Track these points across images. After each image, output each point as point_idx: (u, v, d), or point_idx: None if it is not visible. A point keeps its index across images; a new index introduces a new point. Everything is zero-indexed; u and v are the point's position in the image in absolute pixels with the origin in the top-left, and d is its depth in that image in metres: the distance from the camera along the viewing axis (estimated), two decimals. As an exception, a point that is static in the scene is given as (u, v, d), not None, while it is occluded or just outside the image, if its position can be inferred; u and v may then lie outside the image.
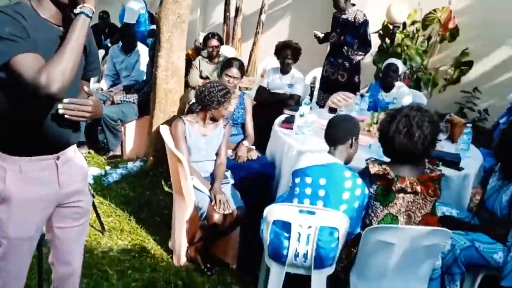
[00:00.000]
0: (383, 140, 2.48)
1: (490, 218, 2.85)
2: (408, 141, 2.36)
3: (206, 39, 5.27)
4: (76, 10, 1.71)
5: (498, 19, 6.12)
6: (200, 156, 3.18)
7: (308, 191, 2.52)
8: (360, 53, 5.35)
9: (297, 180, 2.56)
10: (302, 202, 2.53)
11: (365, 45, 5.34)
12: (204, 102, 3.15)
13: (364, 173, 2.51)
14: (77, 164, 1.97)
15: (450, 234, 2.41)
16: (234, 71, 3.77)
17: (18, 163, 1.77)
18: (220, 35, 5.49)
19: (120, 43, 5.60)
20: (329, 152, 2.61)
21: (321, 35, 5.38)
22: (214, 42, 5.16)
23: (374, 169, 2.43)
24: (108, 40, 7.28)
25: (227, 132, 3.33)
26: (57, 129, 1.79)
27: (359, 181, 2.47)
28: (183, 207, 2.99)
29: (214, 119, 3.23)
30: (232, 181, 3.22)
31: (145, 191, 4.13)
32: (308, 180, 2.52)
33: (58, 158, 1.85)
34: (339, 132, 2.60)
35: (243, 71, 3.90)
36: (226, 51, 5.94)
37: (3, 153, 1.77)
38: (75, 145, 1.97)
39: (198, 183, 3.04)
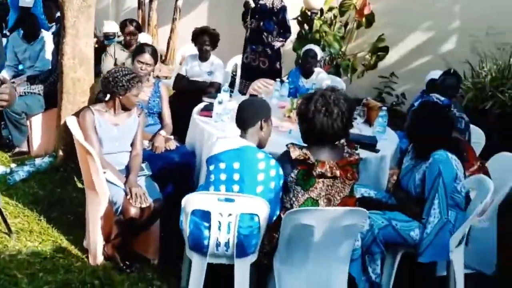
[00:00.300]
0: (303, 122, 2.54)
1: (406, 197, 3.02)
2: (328, 119, 2.46)
3: (123, 25, 5.14)
4: None
5: (411, 5, 6.47)
6: (113, 147, 3.10)
7: (223, 176, 2.54)
8: (281, 39, 5.48)
9: (212, 167, 2.58)
10: (218, 189, 2.55)
11: (285, 31, 5.47)
12: (109, 88, 3.07)
13: (285, 158, 2.56)
14: None
15: (367, 214, 2.53)
16: (146, 57, 3.70)
17: None
18: (138, 21, 5.37)
19: (21, 31, 5.29)
20: (241, 136, 2.66)
21: (253, 4, 5.38)
22: (131, 28, 5.03)
23: (295, 153, 2.49)
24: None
25: (142, 121, 3.27)
26: None
27: (273, 162, 2.54)
28: (97, 202, 2.91)
29: (125, 108, 3.15)
30: (149, 173, 3.17)
31: (55, 188, 3.96)
32: (222, 165, 2.54)
33: None
34: (247, 115, 2.65)
35: (156, 57, 3.84)
36: (143, 38, 5.81)
37: None
38: None
39: (112, 176, 2.96)
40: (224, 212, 2.46)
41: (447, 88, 4.07)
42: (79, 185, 4.00)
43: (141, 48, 3.79)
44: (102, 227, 2.93)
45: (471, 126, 3.98)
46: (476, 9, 6.05)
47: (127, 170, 3.11)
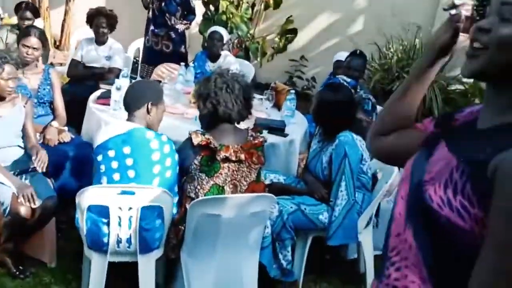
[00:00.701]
0: (207, 102, 2.54)
1: (314, 181, 3.10)
2: (231, 95, 2.52)
3: (17, 9, 4.91)
4: None
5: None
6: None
7: (114, 164, 2.48)
8: (185, 21, 5.39)
9: (99, 157, 2.51)
10: (111, 179, 2.49)
11: (189, 13, 5.40)
12: None
13: (187, 145, 2.55)
14: None
15: (276, 199, 2.58)
16: (32, 40, 3.50)
17: None
18: (34, 5, 5.12)
19: None
20: (128, 120, 2.62)
21: None
22: (26, 13, 4.84)
23: (197, 139, 2.48)
24: None
25: (30, 110, 3.10)
26: None
27: (164, 138, 2.56)
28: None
29: (2, 97, 2.96)
30: (39, 169, 3.00)
31: None
32: (111, 153, 2.49)
33: None
34: (132, 97, 2.64)
35: (44, 41, 3.63)
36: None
37: None
38: None
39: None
40: (123, 206, 2.40)
41: (353, 69, 4.21)
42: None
43: (26, 31, 3.58)
44: (-12, 229, 2.75)
45: (378, 107, 4.16)
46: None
47: (15, 166, 2.93)
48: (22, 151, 3.07)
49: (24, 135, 3.06)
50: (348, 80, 4.04)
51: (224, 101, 2.51)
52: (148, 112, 2.61)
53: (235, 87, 2.54)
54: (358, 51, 4.38)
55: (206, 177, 2.52)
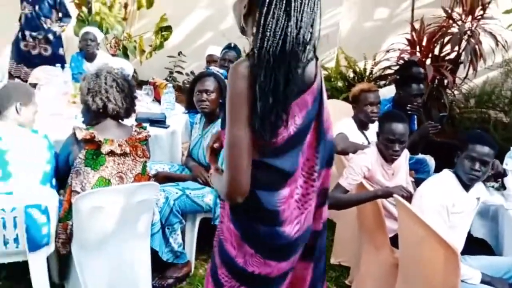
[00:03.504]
0: (95, 98, 2.49)
1: (196, 166, 3.15)
2: (121, 94, 2.52)
3: None
4: None
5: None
6: None
7: None
8: (62, 24, 5.22)
9: None
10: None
11: (66, 15, 5.23)
12: None
13: (71, 140, 2.50)
14: None
15: (159, 186, 2.60)
16: None
17: None
18: None
19: None
20: None
21: None
22: None
23: (81, 134, 2.44)
24: None
25: None
26: None
27: (40, 133, 2.54)
28: None
29: None
30: None
31: None
32: None
33: None
34: (1, 98, 2.56)
35: None
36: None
37: None
38: None
39: None
40: (7, 208, 2.27)
41: (228, 60, 4.32)
42: None
43: None
44: None
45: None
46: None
47: None
48: None
49: None
50: (221, 71, 4.13)
51: (114, 99, 2.49)
52: (17, 111, 2.53)
53: (124, 86, 2.55)
54: (232, 44, 4.51)
55: (92, 171, 2.47)
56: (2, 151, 2.38)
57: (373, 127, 3.13)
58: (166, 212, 2.81)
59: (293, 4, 1.34)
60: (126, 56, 6.40)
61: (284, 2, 1.33)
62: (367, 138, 3.25)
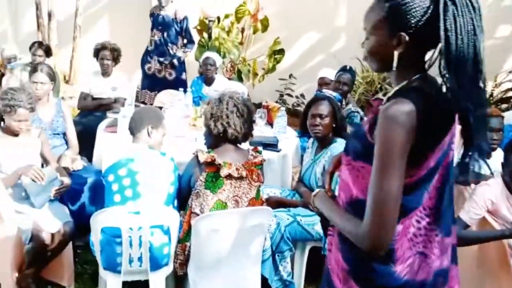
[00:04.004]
0: (217, 123, 2.55)
1: (308, 192, 3.09)
2: (240, 119, 2.55)
3: (31, 46, 5.12)
4: None
5: (301, 7, 6.68)
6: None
7: (126, 182, 2.52)
8: (186, 49, 5.48)
9: (111, 177, 2.55)
10: (124, 196, 2.52)
11: (190, 41, 5.49)
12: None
13: (194, 162, 2.58)
14: None
15: (272, 211, 2.59)
16: (40, 76, 3.52)
17: None
18: (48, 45, 5.24)
19: None
20: (133, 142, 2.71)
21: None
22: (39, 52, 5.01)
23: (202, 157, 2.51)
24: None
25: (45, 139, 3.13)
26: None
27: (168, 156, 2.65)
28: (4, 232, 2.71)
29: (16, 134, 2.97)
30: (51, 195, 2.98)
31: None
32: (122, 172, 2.53)
33: None
34: (134, 122, 2.72)
35: (52, 75, 3.66)
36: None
37: None
38: None
39: (18, 205, 2.81)
40: (134, 226, 2.40)
41: (343, 83, 4.21)
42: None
43: (34, 68, 3.62)
44: (12, 258, 2.75)
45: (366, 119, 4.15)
46: (360, 6, 6.33)
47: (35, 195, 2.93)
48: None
49: (44, 161, 3.10)
50: (334, 94, 4.05)
51: (234, 124, 2.54)
52: (148, 134, 2.67)
53: (244, 111, 2.58)
54: (348, 67, 4.36)
55: (211, 194, 2.53)
56: (134, 172, 2.52)
57: (497, 155, 2.87)
58: (277, 238, 2.77)
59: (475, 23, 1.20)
60: (240, 79, 6.59)
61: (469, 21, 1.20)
62: (489, 168, 2.97)
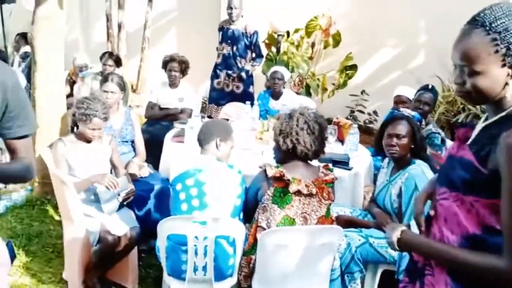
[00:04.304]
0: (286, 140, 2.60)
1: (381, 213, 3.05)
2: (311, 136, 2.57)
3: (102, 56, 5.49)
4: None
5: (377, 22, 6.66)
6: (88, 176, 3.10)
7: (193, 191, 2.61)
8: (255, 63, 5.61)
9: (178, 186, 2.64)
10: (191, 205, 2.61)
11: (258, 55, 5.61)
12: (74, 120, 3.15)
13: (261, 176, 2.63)
14: None
15: (343, 231, 2.59)
16: (110, 85, 3.75)
17: None
18: (118, 56, 5.56)
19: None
20: (201, 153, 2.80)
21: None
22: (109, 61, 5.36)
23: (271, 171, 2.55)
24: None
25: (115, 146, 3.33)
26: None
27: (236, 168, 2.72)
28: (73, 233, 2.90)
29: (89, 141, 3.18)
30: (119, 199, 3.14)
31: (33, 222, 3.96)
32: (190, 182, 2.62)
33: None
34: (204, 134, 2.81)
35: (123, 85, 3.87)
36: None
37: None
38: None
39: (87, 208, 3.00)
40: (200, 236, 2.49)
41: (423, 103, 4.11)
42: (57, 217, 3.99)
43: (105, 78, 3.86)
44: (80, 258, 2.93)
45: (448, 141, 4.05)
46: (442, 22, 6.22)
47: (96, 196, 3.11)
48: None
49: (113, 167, 3.29)
50: (413, 113, 3.97)
51: (304, 141, 2.57)
52: (217, 147, 2.76)
53: (315, 128, 2.60)
54: (429, 86, 4.24)
55: (278, 208, 2.57)
56: (202, 183, 2.62)
57: None
58: (347, 258, 2.77)
59: None
60: (308, 94, 6.62)
61: None
62: None
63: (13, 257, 1.70)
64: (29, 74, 4.51)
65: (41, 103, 4.11)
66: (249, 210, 2.75)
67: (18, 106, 1.65)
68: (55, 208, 4.03)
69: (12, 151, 1.73)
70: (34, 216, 4.05)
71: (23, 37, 6.88)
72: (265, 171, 2.59)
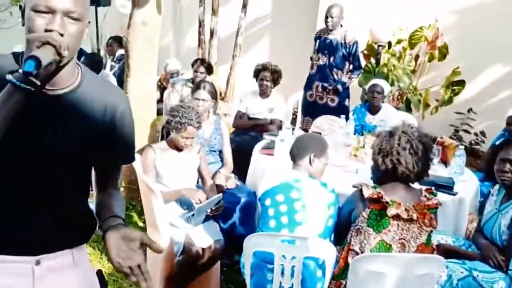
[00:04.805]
0: (386, 159, 2.53)
1: (488, 245, 2.91)
2: (413, 157, 2.48)
3: (194, 63, 5.68)
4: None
5: (490, 35, 6.35)
6: (177, 185, 3.21)
7: (283, 208, 2.62)
8: (353, 76, 5.54)
9: (268, 202, 2.66)
10: (280, 222, 2.62)
11: (357, 67, 5.54)
12: (167, 127, 3.26)
13: (357, 196, 2.57)
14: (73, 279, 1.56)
15: (445, 262, 2.47)
16: (202, 93, 3.86)
17: None
18: (210, 63, 5.74)
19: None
20: (293, 168, 2.80)
21: None
22: (201, 68, 5.53)
23: (367, 192, 2.49)
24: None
25: (203, 156, 3.43)
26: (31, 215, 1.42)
27: (329, 187, 2.70)
28: (158, 242, 3.00)
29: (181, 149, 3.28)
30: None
31: (117, 227, 4.12)
32: (280, 197, 2.64)
33: (37, 262, 1.48)
34: (297, 148, 2.81)
35: (214, 93, 3.97)
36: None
37: None
38: (74, 251, 1.58)
39: (173, 218, 3.09)
40: (287, 255, 2.48)
41: None
42: (140, 224, 4.14)
43: (197, 85, 3.98)
44: (163, 268, 3.03)
45: None
46: None
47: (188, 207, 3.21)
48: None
49: (201, 177, 3.40)
50: (530, 137, 3.76)
51: (405, 162, 2.48)
52: (310, 163, 2.76)
53: (419, 148, 2.49)
54: None
55: (374, 232, 2.50)
56: (293, 199, 2.62)
57: None
58: (447, 291, 2.65)
59: None
60: (408, 109, 6.44)
61: None
62: None
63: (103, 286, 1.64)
64: (120, 77, 4.76)
65: (133, 107, 4.30)
66: (340, 232, 2.70)
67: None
68: (140, 214, 4.18)
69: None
70: (118, 221, 4.22)
71: (117, 41, 7.31)
72: (361, 190, 2.52)
